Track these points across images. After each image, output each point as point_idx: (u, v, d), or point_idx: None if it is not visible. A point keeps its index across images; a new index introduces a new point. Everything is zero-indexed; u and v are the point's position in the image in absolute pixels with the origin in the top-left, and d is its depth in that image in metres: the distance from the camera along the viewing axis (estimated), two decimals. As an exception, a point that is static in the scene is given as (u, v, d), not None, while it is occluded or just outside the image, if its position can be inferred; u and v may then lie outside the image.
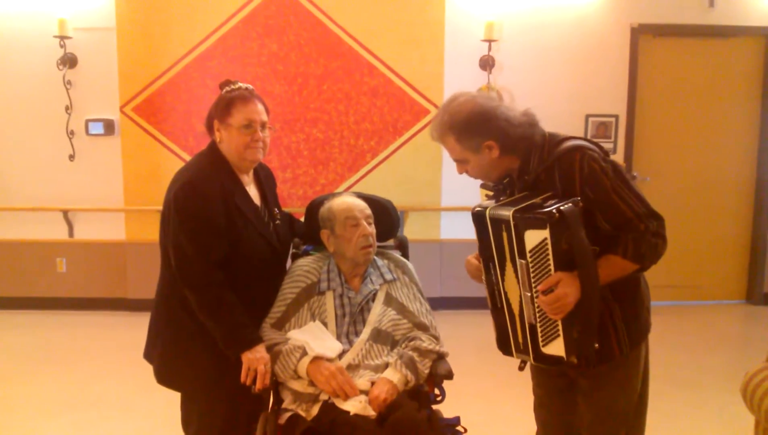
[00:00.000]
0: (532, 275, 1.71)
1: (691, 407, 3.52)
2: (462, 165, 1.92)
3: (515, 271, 1.75)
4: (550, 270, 1.69)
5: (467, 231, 5.66)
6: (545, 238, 1.65)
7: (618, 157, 5.26)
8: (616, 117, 5.28)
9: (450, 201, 5.21)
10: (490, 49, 5.09)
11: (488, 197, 1.95)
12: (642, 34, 5.22)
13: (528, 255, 1.69)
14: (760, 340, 4.69)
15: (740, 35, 5.31)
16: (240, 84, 2.17)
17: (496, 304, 1.86)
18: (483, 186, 2.02)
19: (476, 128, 1.82)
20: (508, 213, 1.70)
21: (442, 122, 1.87)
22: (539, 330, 1.77)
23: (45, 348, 4.44)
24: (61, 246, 5.29)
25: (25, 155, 5.20)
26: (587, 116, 5.26)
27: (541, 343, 1.78)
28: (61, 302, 5.29)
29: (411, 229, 5.20)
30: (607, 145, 5.26)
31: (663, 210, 1.79)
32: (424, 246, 5.18)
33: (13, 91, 5.12)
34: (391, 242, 2.58)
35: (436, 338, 2.21)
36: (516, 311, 1.81)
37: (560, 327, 1.73)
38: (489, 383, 3.79)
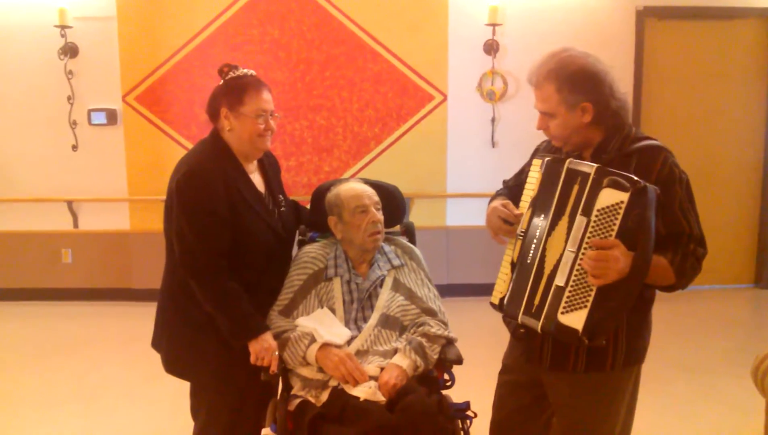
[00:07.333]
0: (588, 234, 1.64)
1: (701, 392, 3.50)
2: (546, 119, 1.81)
3: (569, 226, 1.68)
4: (611, 235, 1.61)
5: (473, 217, 5.58)
6: (621, 202, 1.59)
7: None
8: (622, 101, 5.22)
9: (455, 187, 5.18)
10: (494, 33, 5.04)
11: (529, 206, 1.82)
12: (647, 17, 5.17)
13: (594, 213, 1.63)
14: (769, 324, 4.67)
15: (745, 16, 5.25)
16: (244, 70, 2.14)
17: (525, 259, 1.77)
18: (539, 155, 1.90)
19: (581, 85, 1.75)
20: (591, 168, 1.66)
21: (548, 68, 1.78)
22: (567, 294, 1.67)
23: (51, 339, 4.44)
24: (66, 237, 5.28)
25: (28, 146, 5.18)
26: (593, 100, 5.21)
27: (561, 309, 1.67)
28: (67, 293, 5.29)
29: (417, 217, 5.16)
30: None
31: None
32: (430, 233, 5.15)
33: (14, 82, 5.10)
34: (397, 228, 2.56)
35: (445, 323, 2.20)
36: (547, 270, 1.71)
37: (591, 297, 1.63)
38: (496, 369, 3.77)
